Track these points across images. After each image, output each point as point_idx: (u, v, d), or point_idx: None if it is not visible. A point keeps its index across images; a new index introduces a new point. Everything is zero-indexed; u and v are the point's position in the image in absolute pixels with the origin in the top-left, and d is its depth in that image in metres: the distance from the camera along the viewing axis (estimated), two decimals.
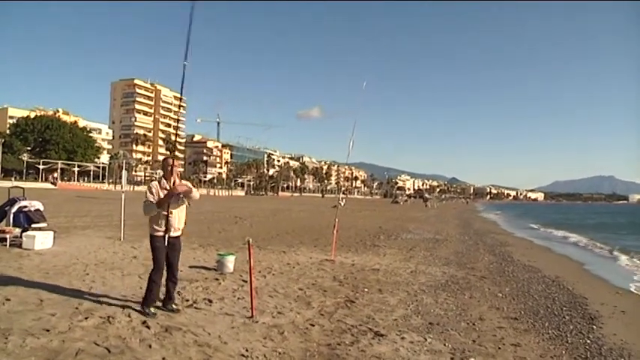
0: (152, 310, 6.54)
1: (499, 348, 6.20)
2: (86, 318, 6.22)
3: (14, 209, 12.29)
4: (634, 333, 7.59)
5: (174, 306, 6.81)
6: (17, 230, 11.93)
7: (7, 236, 11.62)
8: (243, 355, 5.26)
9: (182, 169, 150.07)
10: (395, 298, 8.74)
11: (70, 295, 7.38)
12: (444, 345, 6.14)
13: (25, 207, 12.50)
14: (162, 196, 6.28)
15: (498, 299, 9.33)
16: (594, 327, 7.73)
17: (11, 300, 6.91)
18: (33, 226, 12.41)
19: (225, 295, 8.13)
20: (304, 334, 6.21)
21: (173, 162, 6.57)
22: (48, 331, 5.61)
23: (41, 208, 13.06)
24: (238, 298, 7.87)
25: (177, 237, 6.64)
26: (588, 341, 6.88)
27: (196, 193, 6.62)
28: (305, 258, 13.13)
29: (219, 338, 5.79)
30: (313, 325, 6.65)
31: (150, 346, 5.33)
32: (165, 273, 6.65)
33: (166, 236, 6.40)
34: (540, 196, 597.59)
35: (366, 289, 9.37)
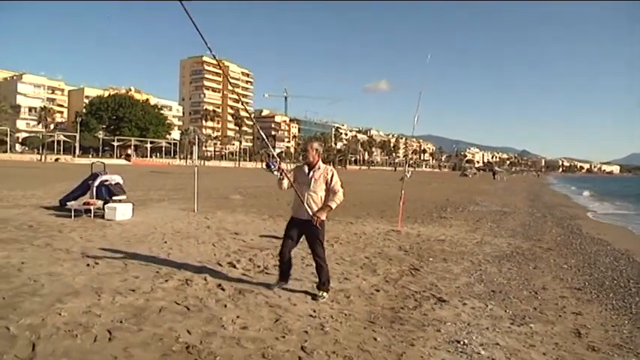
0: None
1: (560, 316, 6.29)
2: (166, 280, 6.73)
3: (97, 183, 13.11)
4: None
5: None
6: (100, 202, 12.72)
7: (92, 208, 12.42)
8: (311, 316, 5.59)
9: (251, 144, 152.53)
10: (459, 267, 8.91)
11: (151, 261, 7.94)
12: (505, 311, 6.29)
13: (106, 181, 13.30)
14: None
15: (563, 270, 9.32)
16: None
17: (99, 264, 7.52)
18: (114, 198, 13.20)
19: (294, 262, 8.49)
20: (369, 299, 6.50)
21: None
22: (133, 291, 6.13)
23: (121, 181, 13.85)
24: (307, 265, 8.21)
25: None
26: None
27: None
28: (371, 228, 13.39)
29: (289, 300, 6.15)
30: (378, 291, 6.92)
31: (225, 306, 5.75)
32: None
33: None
34: (616, 168, 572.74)
35: (430, 259, 9.56)
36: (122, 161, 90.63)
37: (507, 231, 14.49)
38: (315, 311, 5.76)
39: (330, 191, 6.32)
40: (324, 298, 6.31)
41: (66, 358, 4.11)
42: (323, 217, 6.25)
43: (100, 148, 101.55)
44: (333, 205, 6.28)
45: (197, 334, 4.80)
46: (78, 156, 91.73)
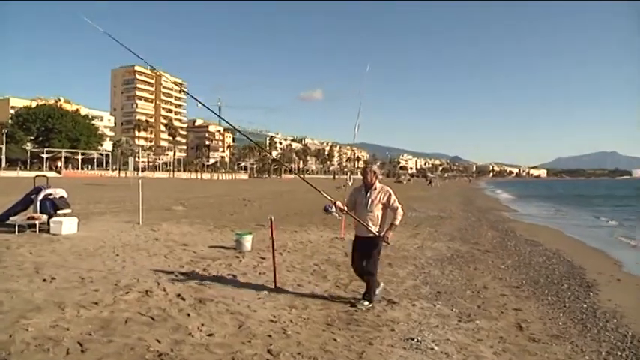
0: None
1: (502, 312, 6.85)
2: (127, 292, 6.86)
3: (40, 197, 12.89)
4: (627, 298, 8.20)
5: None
6: (45, 217, 12.55)
7: (37, 222, 12.26)
8: (272, 321, 5.88)
9: (185, 155, 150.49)
10: (404, 271, 9.38)
11: (107, 273, 8.05)
12: (452, 310, 6.79)
13: (51, 195, 13.10)
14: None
15: (501, 270, 9.99)
16: (591, 293, 8.37)
17: (56, 278, 7.57)
18: (59, 212, 13.02)
19: (246, 270, 8.77)
20: (324, 303, 6.84)
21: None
22: (96, 303, 6.25)
23: (65, 195, 13.64)
24: (260, 273, 8.52)
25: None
26: (585, 305, 7.52)
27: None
28: (316, 236, 13.76)
29: (249, 307, 6.42)
30: (331, 295, 7.29)
31: (188, 315, 5.97)
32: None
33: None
34: (543, 172, 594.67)
35: None
36: (52, 174, 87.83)
37: (446, 235, 15.16)
38: (274, 316, 6.05)
39: (390, 209, 6.78)
40: (363, 306, 6.64)
41: None
42: (390, 235, 6.75)
43: (29, 160, 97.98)
44: (397, 223, 6.78)
45: (166, 342, 5.01)
46: (4, 169, 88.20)
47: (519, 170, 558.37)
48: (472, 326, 6.09)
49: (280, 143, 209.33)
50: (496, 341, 5.59)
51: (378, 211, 6.72)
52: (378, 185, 6.86)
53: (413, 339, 5.45)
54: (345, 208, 6.87)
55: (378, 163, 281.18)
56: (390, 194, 6.77)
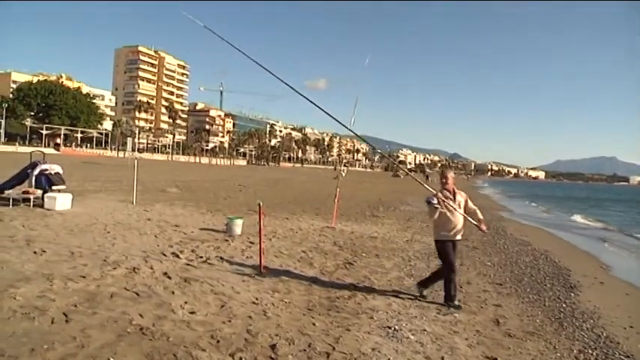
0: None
1: (481, 307, 7.00)
2: (114, 268, 7.03)
3: (36, 172, 13.02)
4: (607, 301, 8.35)
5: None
6: (39, 192, 12.69)
7: (31, 197, 12.41)
8: (254, 303, 6.04)
9: (184, 138, 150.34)
10: (390, 262, 9.55)
11: (97, 250, 8.21)
12: (432, 302, 6.92)
13: (46, 170, 13.24)
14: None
15: (487, 267, 10.15)
16: (572, 294, 8.51)
17: (47, 252, 7.72)
18: (53, 188, 13.15)
19: (234, 254, 8.92)
20: (307, 289, 7.00)
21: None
22: (84, 277, 6.42)
23: (60, 171, 13.79)
24: (247, 257, 8.69)
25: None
26: (564, 305, 7.66)
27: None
28: (307, 224, 13.90)
29: (233, 289, 6.58)
30: (315, 282, 7.44)
31: (173, 293, 6.13)
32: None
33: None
34: (541, 174, 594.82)
35: (364, 254, 10.16)
36: (51, 150, 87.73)
37: None
38: (257, 299, 6.20)
39: (471, 209, 7.17)
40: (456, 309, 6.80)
41: (26, 339, 4.37)
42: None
43: (28, 136, 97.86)
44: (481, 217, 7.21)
45: (149, 317, 5.17)
46: (3, 143, 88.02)
47: (518, 170, 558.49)
48: (450, 319, 6.24)
49: (281, 131, 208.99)
50: (472, 334, 5.74)
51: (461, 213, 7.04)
52: (456, 189, 7.18)
53: (390, 328, 5.60)
54: (448, 201, 6.99)
55: (377, 157, 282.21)
56: (467, 197, 7.24)
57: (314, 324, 5.49)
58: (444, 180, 7.17)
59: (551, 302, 7.77)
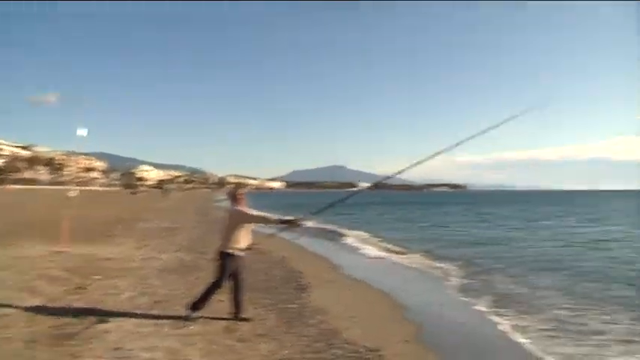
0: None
1: (215, 317, 7.22)
2: None
3: None
4: (333, 297, 9.33)
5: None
6: None
7: None
8: None
9: None
10: (125, 282, 9.35)
11: None
12: (167, 318, 6.98)
13: None
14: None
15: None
16: (303, 295, 9.32)
17: None
18: None
19: None
20: (31, 320, 6.54)
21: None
22: None
23: None
24: None
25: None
26: (295, 306, 8.38)
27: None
28: (34, 251, 12.85)
29: None
30: (40, 311, 6.99)
31: None
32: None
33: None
34: (282, 184, 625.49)
35: (97, 276, 9.78)
36: None
37: (174, 246, 15.30)
38: None
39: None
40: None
41: None
42: None
43: None
44: None
45: None
46: None
47: (259, 182, 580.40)
48: (185, 332, 6.38)
49: (2, 150, 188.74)
50: (206, 344, 5.95)
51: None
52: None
53: (122, 348, 5.54)
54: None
55: (117, 174, 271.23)
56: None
57: (34, 356, 5.19)
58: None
59: (284, 304, 8.43)
